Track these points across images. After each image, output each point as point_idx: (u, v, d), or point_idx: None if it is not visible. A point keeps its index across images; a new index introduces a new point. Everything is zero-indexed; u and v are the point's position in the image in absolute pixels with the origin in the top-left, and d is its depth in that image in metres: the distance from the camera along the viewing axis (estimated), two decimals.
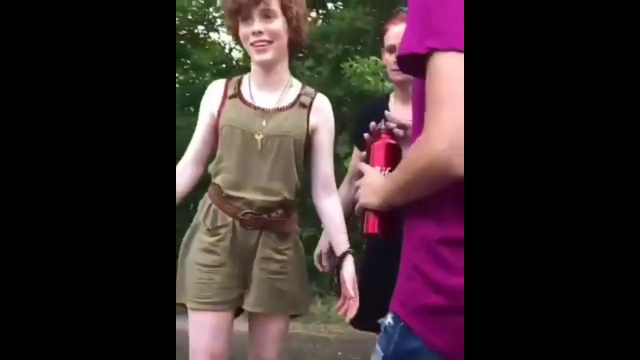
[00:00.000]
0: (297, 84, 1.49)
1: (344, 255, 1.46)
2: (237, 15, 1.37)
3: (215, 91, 1.47)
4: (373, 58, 3.83)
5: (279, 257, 1.44)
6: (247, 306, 1.44)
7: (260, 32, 1.35)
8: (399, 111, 1.47)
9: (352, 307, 1.41)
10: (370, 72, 3.80)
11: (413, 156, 0.79)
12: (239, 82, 1.46)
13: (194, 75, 4.95)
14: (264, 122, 1.39)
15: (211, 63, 4.83)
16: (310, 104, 1.44)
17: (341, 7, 4.96)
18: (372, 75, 3.78)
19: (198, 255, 1.42)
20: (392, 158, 0.95)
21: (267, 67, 1.42)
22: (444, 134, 0.74)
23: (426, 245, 0.82)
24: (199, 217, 1.46)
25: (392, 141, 0.98)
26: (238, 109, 1.41)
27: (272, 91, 1.44)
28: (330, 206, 1.50)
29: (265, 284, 1.42)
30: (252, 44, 1.37)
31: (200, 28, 5.29)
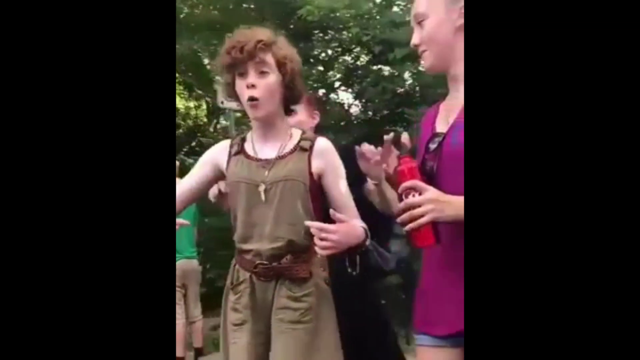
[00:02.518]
0: (297, 133, 1.47)
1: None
2: (234, 70, 1.39)
3: (221, 149, 1.49)
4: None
5: (295, 305, 1.36)
6: None
7: (253, 86, 1.35)
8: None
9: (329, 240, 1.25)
10: None
11: None
12: (243, 140, 1.48)
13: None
14: (266, 173, 1.38)
15: (332, 122, 5.13)
16: (311, 147, 1.42)
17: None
18: None
19: (229, 315, 1.42)
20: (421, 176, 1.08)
21: (264, 123, 1.42)
22: None
23: None
24: (229, 277, 1.45)
25: (414, 163, 1.10)
26: (241, 163, 1.42)
27: (274, 143, 1.43)
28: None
29: (286, 336, 1.34)
30: (248, 99, 1.37)
31: (322, 91, 5.70)
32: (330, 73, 5.72)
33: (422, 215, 1.04)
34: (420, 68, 4.24)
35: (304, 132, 1.49)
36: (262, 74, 1.36)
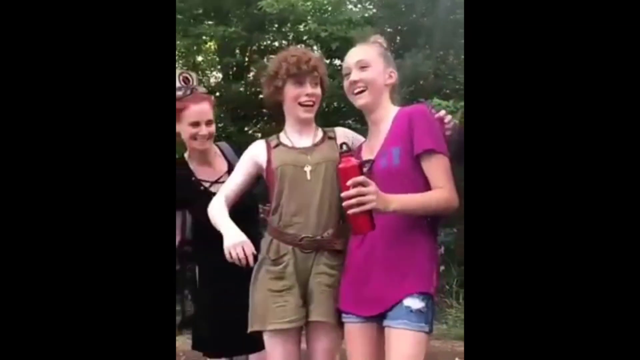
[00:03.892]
0: (318, 128, 1.79)
1: None
2: (292, 78, 1.67)
3: (259, 147, 1.77)
4: (437, 100, 4.13)
5: (331, 272, 1.65)
6: (312, 317, 1.64)
7: (311, 94, 1.69)
8: (202, 171, 1.90)
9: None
10: None
11: (436, 196, 1.46)
12: (277, 137, 1.77)
13: None
14: (308, 157, 1.69)
15: None
16: (335, 136, 1.76)
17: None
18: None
19: (269, 284, 1.66)
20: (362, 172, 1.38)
21: (306, 122, 1.75)
22: (456, 194, 1.47)
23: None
24: (263, 252, 1.69)
25: (357, 161, 1.41)
26: (284, 152, 1.72)
27: (307, 136, 1.75)
28: None
29: (322, 295, 1.64)
30: (300, 103, 1.69)
31: None
32: None
33: (368, 203, 1.33)
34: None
35: (322, 128, 1.80)
36: (315, 85, 1.71)
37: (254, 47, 6.04)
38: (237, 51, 6.00)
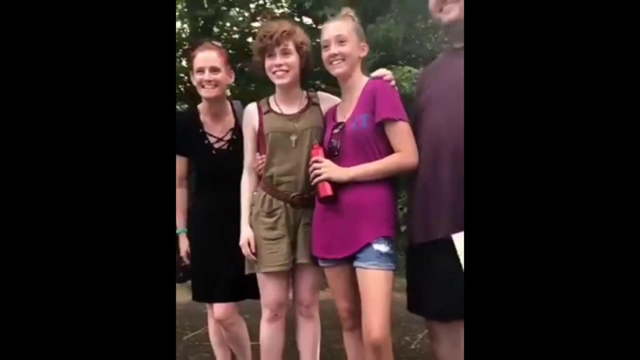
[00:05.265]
0: (304, 93, 2.01)
1: None
2: (264, 52, 1.91)
3: (251, 111, 2.00)
4: (407, 68, 4.21)
5: None
6: (298, 260, 1.94)
7: (280, 65, 1.89)
8: (211, 124, 2.14)
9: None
10: (405, 78, 4.16)
11: (393, 160, 1.70)
12: (268, 102, 1.99)
13: None
14: (295, 125, 1.91)
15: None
16: (318, 102, 1.99)
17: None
18: (406, 81, 4.13)
19: (264, 233, 1.93)
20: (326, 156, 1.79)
21: (286, 88, 1.95)
22: (416, 155, 1.68)
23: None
24: (257, 206, 1.96)
25: (321, 149, 1.81)
26: (274, 119, 1.95)
27: (292, 103, 1.97)
28: None
29: (308, 243, 1.91)
30: (273, 73, 1.90)
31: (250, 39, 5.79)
32: (258, 24, 5.83)
33: (323, 174, 1.74)
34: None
35: (307, 92, 2.02)
36: (286, 55, 1.89)
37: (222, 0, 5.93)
38: (205, 4, 5.88)
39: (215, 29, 6.22)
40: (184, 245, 2.19)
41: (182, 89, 6.02)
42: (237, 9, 6.22)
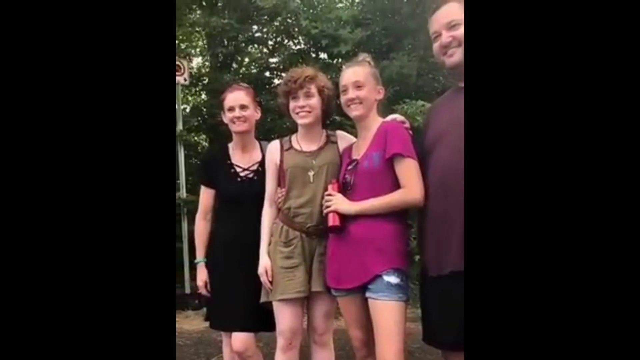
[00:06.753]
0: (324, 132, 2.16)
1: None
2: (289, 95, 2.07)
3: (274, 147, 2.16)
4: (420, 102, 4.31)
5: None
6: (313, 288, 2.03)
7: (302, 106, 2.05)
8: (239, 157, 2.31)
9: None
10: (418, 112, 4.25)
11: (398, 197, 1.77)
12: (290, 140, 2.14)
13: None
14: (313, 161, 2.06)
15: (276, 107, 5.42)
16: (336, 140, 2.14)
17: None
18: (419, 115, 4.22)
19: (280, 262, 2.03)
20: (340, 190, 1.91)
21: (308, 128, 2.11)
22: (420, 191, 1.74)
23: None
24: (275, 236, 2.08)
25: (336, 184, 1.93)
26: (294, 155, 2.10)
27: (312, 141, 2.12)
28: None
29: (321, 271, 2.01)
30: (297, 113, 2.06)
31: (267, 74, 5.95)
32: (276, 60, 6.02)
33: (332, 206, 1.88)
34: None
35: (327, 131, 2.19)
36: (308, 97, 2.06)
37: (242, 37, 6.14)
38: (225, 41, 6.10)
39: (234, 65, 6.42)
40: (202, 274, 2.27)
41: (200, 120, 6.19)
42: (256, 46, 6.43)
